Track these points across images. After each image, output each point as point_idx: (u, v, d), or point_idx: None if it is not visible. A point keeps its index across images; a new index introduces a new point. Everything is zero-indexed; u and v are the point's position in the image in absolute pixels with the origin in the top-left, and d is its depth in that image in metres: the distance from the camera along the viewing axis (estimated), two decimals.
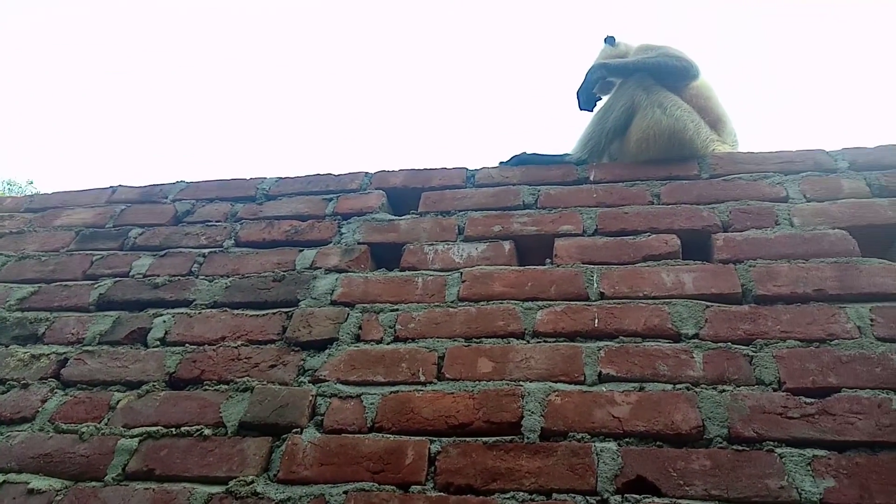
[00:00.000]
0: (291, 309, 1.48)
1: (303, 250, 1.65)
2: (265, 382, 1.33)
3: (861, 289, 1.28)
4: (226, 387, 1.34)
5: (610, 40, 2.29)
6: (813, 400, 1.12)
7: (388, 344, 1.36)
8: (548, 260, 1.51)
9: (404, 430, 1.19)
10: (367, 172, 1.88)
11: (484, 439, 1.15)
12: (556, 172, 1.77)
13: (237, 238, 1.74)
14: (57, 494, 1.20)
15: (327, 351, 1.37)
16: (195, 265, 1.67)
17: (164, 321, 1.52)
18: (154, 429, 1.28)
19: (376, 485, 1.11)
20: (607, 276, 1.41)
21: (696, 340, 1.25)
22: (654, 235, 1.50)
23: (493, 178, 1.79)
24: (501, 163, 1.87)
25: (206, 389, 1.34)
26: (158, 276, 1.65)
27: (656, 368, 1.21)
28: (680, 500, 1.02)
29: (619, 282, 1.39)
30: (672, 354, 1.23)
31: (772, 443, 1.07)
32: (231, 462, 1.19)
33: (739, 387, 1.16)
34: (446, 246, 1.59)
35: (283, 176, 1.94)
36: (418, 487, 1.10)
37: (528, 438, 1.14)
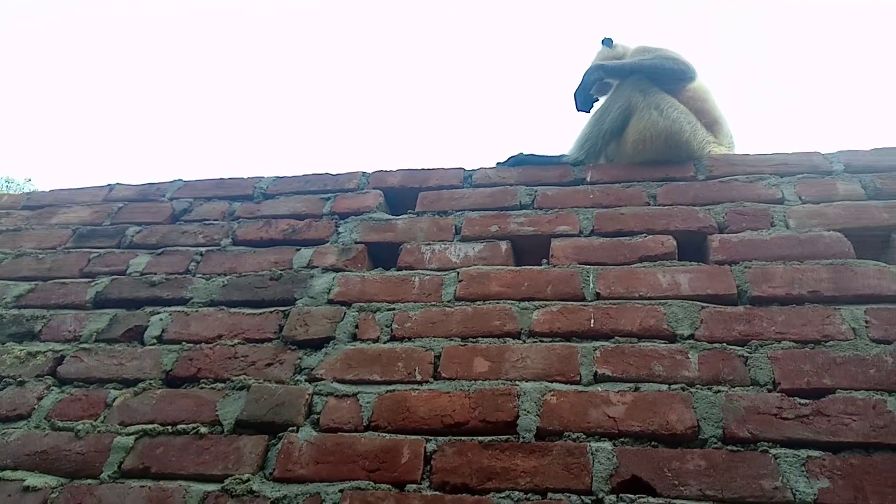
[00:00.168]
0: (288, 308, 1.48)
1: (300, 249, 1.65)
2: (261, 381, 1.33)
3: (856, 290, 1.29)
4: (222, 385, 1.34)
5: (607, 42, 2.30)
6: (807, 401, 1.12)
7: (384, 343, 1.37)
8: (544, 260, 1.52)
9: (400, 429, 1.19)
10: (364, 172, 1.89)
11: (479, 438, 1.16)
12: (552, 173, 1.78)
13: (234, 237, 1.74)
14: (52, 492, 1.19)
15: (324, 350, 1.37)
16: (192, 263, 1.67)
17: (161, 319, 1.52)
18: (150, 426, 1.28)
19: (372, 483, 1.12)
20: (603, 277, 1.42)
21: (691, 341, 1.26)
22: (650, 236, 1.51)
23: (490, 178, 1.79)
24: (499, 163, 1.87)
25: (202, 387, 1.34)
26: (155, 274, 1.65)
27: (652, 369, 1.22)
28: (675, 501, 1.03)
29: (615, 282, 1.40)
30: (667, 355, 1.23)
31: (766, 443, 1.08)
32: (227, 460, 1.20)
33: (734, 387, 1.17)
34: (443, 246, 1.59)
35: (280, 175, 1.94)
36: (414, 486, 1.11)
37: (523, 438, 1.14)
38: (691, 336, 1.26)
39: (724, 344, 1.24)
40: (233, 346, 1.42)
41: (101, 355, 1.46)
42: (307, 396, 1.28)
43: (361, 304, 1.46)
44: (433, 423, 1.19)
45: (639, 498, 1.04)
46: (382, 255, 1.63)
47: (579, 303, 1.37)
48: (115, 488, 1.18)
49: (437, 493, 1.09)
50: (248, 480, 1.15)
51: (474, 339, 1.33)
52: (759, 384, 1.17)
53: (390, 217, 1.72)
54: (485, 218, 1.65)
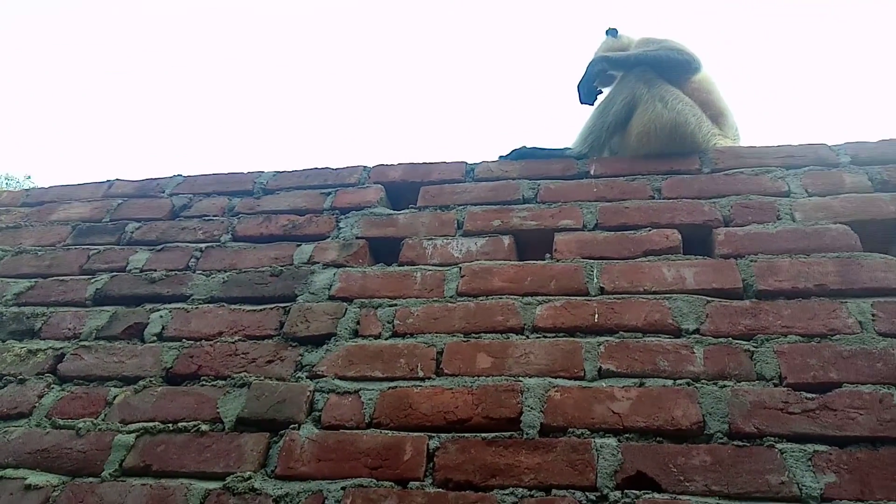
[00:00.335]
0: (289, 304, 1.47)
1: (300, 245, 1.64)
2: (262, 378, 1.32)
3: (862, 284, 1.27)
4: (223, 382, 1.33)
5: (612, 32, 2.27)
6: (814, 395, 1.11)
7: (386, 339, 1.36)
8: (548, 255, 1.50)
9: (403, 425, 1.18)
10: (365, 166, 1.87)
11: (483, 435, 1.15)
12: (556, 167, 1.76)
13: (234, 233, 1.73)
14: (54, 490, 1.19)
15: (325, 346, 1.36)
16: (192, 260, 1.66)
17: (161, 316, 1.51)
18: (151, 424, 1.27)
19: (374, 481, 1.11)
20: (607, 271, 1.40)
21: (696, 336, 1.24)
22: (654, 230, 1.49)
23: (492, 172, 1.78)
24: (501, 157, 1.86)
25: (203, 385, 1.33)
26: (155, 270, 1.64)
27: (656, 364, 1.20)
28: (680, 496, 1.02)
29: (619, 277, 1.39)
30: (672, 350, 1.22)
31: (772, 438, 1.07)
32: (228, 458, 1.19)
33: (740, 382, 1.15)
34: (445, 240, 1.58)
35: (280, 170, 1.92)
36: (417, 483, 1.10)
37: (527, 434, 1.13)
38: (696, 331, 1.25)
39: (730, 338, 1.23)
40: (233, 343, 1.41)
41: (102, 353, 1.45)
42: (308, 393, 1.27)
43: (363, 299, 1.45)
44: (436, 420, 1.18)
45: (644, 494, 1.03)
46: (384, 250, 1.62)
47: (583, 298, 1.36)
48: (117, 486, 1.18)
49: (440, 490, 1.08)
50: (250, 478, 1.14)
51: (477, 335, 1.32)
52: (765, 379, 1.15)
53: (392, 212, 1.71)
54: (487, 212, 1.64)
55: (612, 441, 1.10)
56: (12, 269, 1.74)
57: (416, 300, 1.43)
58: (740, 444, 1.07)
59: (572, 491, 1.05)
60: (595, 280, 1.39)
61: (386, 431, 1.18)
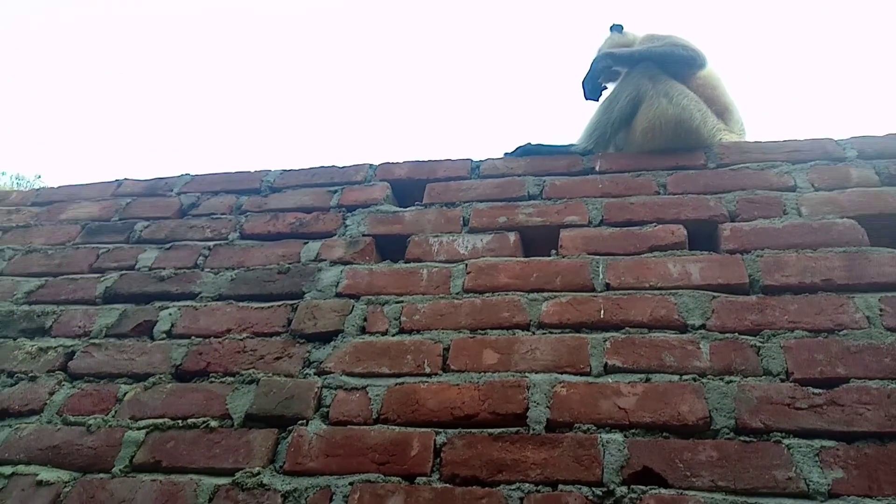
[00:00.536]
0: (296, 301, 1.48)
1: (308, 242, 1.65)
2: (271, 374, 1.33)
3: (870, 278, 1.27)
4: (231, 379, 1.34)
5: (617, 28, 2.27)
6: (821, 390, 1.11)
7: (393, 336, 1.36)
8: (553, 251, 1.50)
9: (410, 421, 1.19)
10: (371, 164, 1.88)
11: (489, 431, 1.15)
12: (561, 163, 1.76)
13: (242, 230, 1.74)
14: (65, 486, 1.20)
15: (332, 343, 1.37)
16: (200, 258, 1.67)
17: (170, 314, 1.52)
18: (161, 421, 1.28)
19: (382, 476, 1.12)
20: (613, 267, 1.40)
21: (702, 331, 1.24)
22: (660, 226, 1.49)
23: (498, 168, 1.78)
24: (506, 153, 1.86)
25: (212, 382, 1.34)
26: (164, 269, 1.65)
27: (662, 359, 1.20)
28: (687, 492, 1.02)
29: (625, 273, 1.39)
30: (678, 345, 1.22)
31: (779, 434, 1.07)
32: (237, 454, 1.20)
33: (747, 377, 1.15)
34: (451, 237, 1.58)
35: (287, 168, 1.93)
36: (424, 479, 1.10)
37: (533, 430, 1.14)
38: (703, 326, 1.25)
39: (736, 334, 1.23)
40: (241, 340, 1.42)
41: (112, 350, 1.46)
42: (316, 390, 1.28)
43: (370, 296, 1.46)
44: (443, 416, 1.19)
45: (650, 489, 1.03)
46: (390, 247, 1.63)
47: (589, 293, 1.36)
48: (127, 482, 1.19)
49: (447, 485, 1.09)
50: (259, 474, 1.15)
51: (483, 331, 1.33)
52: (771, 374, 1.15)
53: (398, 209, 1.72)
54: (493, 209, 1.64)
55: (618, 436, 1.10)
56: (23, 267, 1.76)
57: (422, 297, 1.43)
58: (747, 439, 1.07)
59: (579, 486, 1.05)
60: (601, 276, 1.39)
61: (393, 427, 1.19)
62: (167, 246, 1.73)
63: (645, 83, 1.84)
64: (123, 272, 1.67)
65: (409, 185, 1.80)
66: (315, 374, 1.32)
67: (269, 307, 1.49)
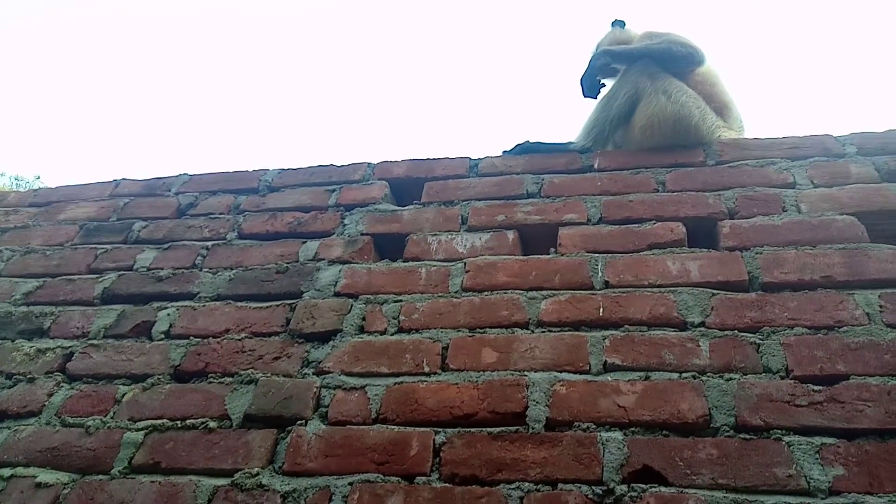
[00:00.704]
0: (295, 301, 1.48)
1: (306, 242, 1.65)
2: (269, 375, 1.32)
3: (870, 275, 1.27)
4: (230, 379, 1.34)
5: (619, 23, 2.26)
6: (821, 387, 1.11)
7: (392, 335, 1.36)
8: (552, 249, 1.50)
9: (409, 421, 1.19)
10: (369, 163, 1.87)
11: (489, 430, 1.15)
12: (560, 161, 1.76)
13: (240, 230, 1.74)
14: (64, 488, 1.20)
15: (331, 342, 1.37)
16: (199, 258, 1.67)
17: (169, 314, 1.52)
18: (159, 422, 1.28)
19: (381, 476, 1.11)
20: (612, 265, 1.40)
21: (702, 329, 1.24)
22: (659, 223, 1.49)
23: (496, 167, 1.78)
24: (505, 151, 1.85)
25: (210, 382, 1.34)
26: (162, 269, 1.65)
27: (662, 357, 1.20)
28: (687, 490, 1.02)
29: (624, 270, 1.38)
30: (678, 343, 1.22)
31: (779, 431, 1.06)
32: (236, 454, 1.20)
33: (746, 375, 1.15)
34: (450, 236, 1.58)
35: (285, 167, 1.93)
36: (423, 478, 1.10)
37: (532, 428, 1.14)
38: (702, 323, 1.25)
39: (736, 331, 1.22)
40: (240, 340, 1.42)
41: (110, 351, 1.46)
42: (315, 390, 1.27)
43: (368, 296, 1.46)
44: (442, 415, 1.18)
45: (650, 487, 1.03)
46: (389, 246, 1.62)
47: (588, 292, 1.36)
48: (126, 484, 1.19)
49: (447, 484, 1.09)
50: (258, 474, 1.15)
51: (482, 330, 1.32)
52: (771, 371, 1.15)
53: (396, 208, 1.71)
54: (491, 207, 1.63)
55: (617, 435, 1.10)
56: (21, 268, 1.76)
57: (421, 296, 1.43)
58: (747, 437, 1.07)
59: (578, 485, 1.05)
60: (599, 274, 1.39)
61: (392, 427, 1.19)
62: (165, 246, 1.73)
63: (643, 80, 1.84)
64: (122, 273, 1.67)
65: (408, 183, 1.80)
66: (314, 373, 1.31)
67: (267, 307, 1.48)
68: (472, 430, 1.16)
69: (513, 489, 1.06)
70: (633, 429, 1.11)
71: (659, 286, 1.34)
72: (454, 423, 1.17)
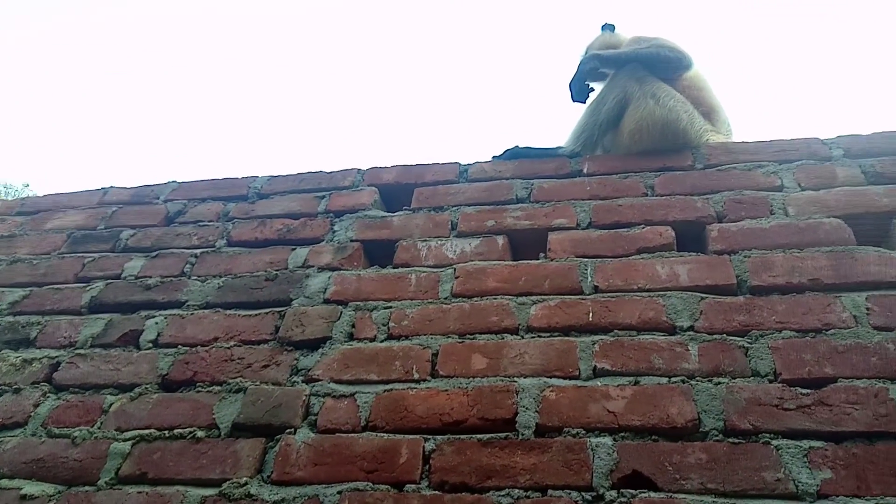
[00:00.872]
0: (284, 308, 1.47)
1: (295, 249, 1.64)
2: (258, 383, 1.32)
3: (857, 278, 1.27)
4: (219, 388, 1.33)
5: (609, 27, 2.27)
6: (809, 391, 1.11)
7: (381, 342, 1.35)
8: (542, 254, 1.50)
9: (398, 428, 1.18)
10: (359, 169, 1.87)
11: (478, 436, 1.14)
12: (549, 166, 1.76)
13: (229, 238, 1.73)
14: (50, 500, 1.19)
15: (320, 350, 1.36)
16: (187, 266, 1.66)
17: (157, 323, 1.51)
18: (147, 431, 1.27)
19: (370, 484, 1.11)
20: (601, 270, 1.40)
21: (691, 333, 1.24)
22: (648, 227, 1.49)
23: (485, 172, 1.78)
24: (494, 157, 1.86)
25: (198, 391, 1.33)
26: (150, 277, 1.64)
27: (651, 362, 1.20)
28: (676, 495, 1.01)
29: (613, 275, 1.38)
30: (667, 347, 1.22)
31: (768, 435, 1.06)
32: (224, 464, 1.19)
33: (735, 379, 1.15)
34: (439, 242, 1.58)
35: (274, 174, 1.92)
36: (413, 486, 1.09)
37: (522, 435, 1.13)
38: (691, 328, 1.25)
39: (725, 335, 1.22)
40: (229, 348, 1.41)
41: (97, 361, 1.45)
42: (304, 398, 1.26)
43: (358, 302, 1.45)
44: (431, 422, 1.18)
45: (640, 493, 1.02)
46: (378, 252, 1.62)
47: (577, 296, 1.36)
48: (113, 495, 1.18)
49: (437, 492, 1.08)
50: (246, 484, 1.14)
51: (472, 336, 1.32)
52: (759, 375, 1.15)
53: (386, 214, 1.71)
54: (481, 213, 1.63)
55: (607, 440, 1.10)
56: (7, 278, 1.74)
57: (410, 302, 1.42)
58: (736, 441, 1.07)
59: (568, 491, 1.04)
60: (589, 279, 1.39)
61: (382, 434, 1.18)
62: (153, 254, 1.72)
63: (632, 85, 1.85)
64: (109, 281, 1.66)
65: (397, 189, 1.80)
66: (303, 381, 1.31)
67: (256, 315, 1.48)
68: (462, 436, 1.15)
69: (502, 496, 1.06)
70: (622, 434, 1.11)
71: (648, 290, 1.34)
72: (444, 430, 1.17)
